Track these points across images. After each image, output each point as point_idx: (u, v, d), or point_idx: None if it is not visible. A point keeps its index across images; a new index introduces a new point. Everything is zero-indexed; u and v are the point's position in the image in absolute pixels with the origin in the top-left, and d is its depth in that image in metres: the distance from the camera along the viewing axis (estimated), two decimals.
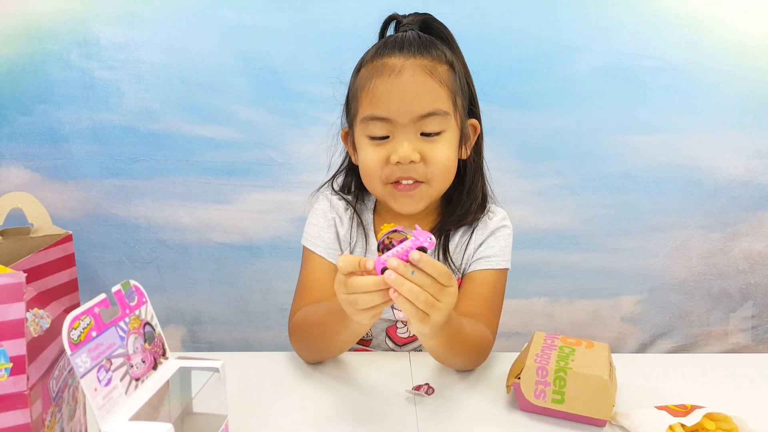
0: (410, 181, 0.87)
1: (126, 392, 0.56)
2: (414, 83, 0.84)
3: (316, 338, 0.84)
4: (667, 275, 1.58)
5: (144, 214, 1.49)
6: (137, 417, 0.54)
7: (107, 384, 0.54)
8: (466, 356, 0.83)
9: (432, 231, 0.94)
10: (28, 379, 0.51)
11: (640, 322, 1.60)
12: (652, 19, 1.42)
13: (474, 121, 0.94)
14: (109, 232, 1.50)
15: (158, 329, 0.63)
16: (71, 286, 0.64)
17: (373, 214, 0.98)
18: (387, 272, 0.61)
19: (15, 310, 0.50)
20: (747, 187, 1.51)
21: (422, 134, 0.85)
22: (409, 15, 0.93)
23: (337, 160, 1.06)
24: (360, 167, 0.92)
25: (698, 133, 1.48)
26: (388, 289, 0.62)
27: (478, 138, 0.95)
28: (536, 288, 1.57)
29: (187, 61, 1.40)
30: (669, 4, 1.42)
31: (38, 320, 0.54)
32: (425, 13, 0.93)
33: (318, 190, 1.04)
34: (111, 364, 0.54)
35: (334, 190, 1.02)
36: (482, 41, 1.40)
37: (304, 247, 0.97)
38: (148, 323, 0.61)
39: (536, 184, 1.52)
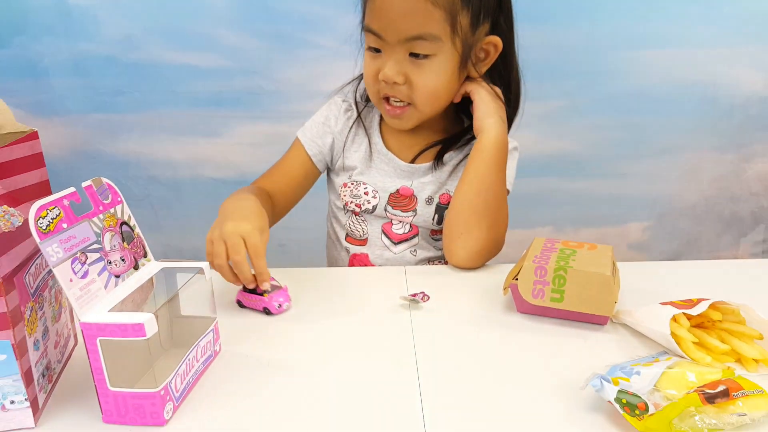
0: (397, 101, 0.86)
1: (105, 287, 0.52)
2: (404, 3, 0.79)
3: None
4: (677, 200, 1.52)
5: (133, 150, 1.45)
6: (118, 310, 0.51)
7: (83, 276, 0.50)
8: (493, 214, 0.85)
9: (428, 147, 0.94)
10: (1, 268, 0.47)
11: (647, 249, 1.55)
12: None
13: (494, 38, 0.86)
14: (99, 170, 1.43)
15: (137, 230, 0.59)
16: (43, 188, 0.60)
17: (381, 119, 0.97)
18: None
19: None
20: (765, 104, 1.44)
21: (411, 54, 0.82)
22: None
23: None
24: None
25: (715, 47, 1.40)
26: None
27: (506, 56, 0.89)
28: (540, 217, 1.52)
29: None
30: None
31: (9, 217, 0.50)
32: None
33: (340, 88, 1.01)
34: (86, 257, 0.51)
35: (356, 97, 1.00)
36: None
37: (297, 137, 0.99)
38: (125, 223, 0.57)
39: (541, 107, 1.45)
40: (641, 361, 0.55)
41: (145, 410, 0.51)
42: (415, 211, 0.93)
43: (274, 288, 0.72)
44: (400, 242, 0.95)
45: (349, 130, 0.96)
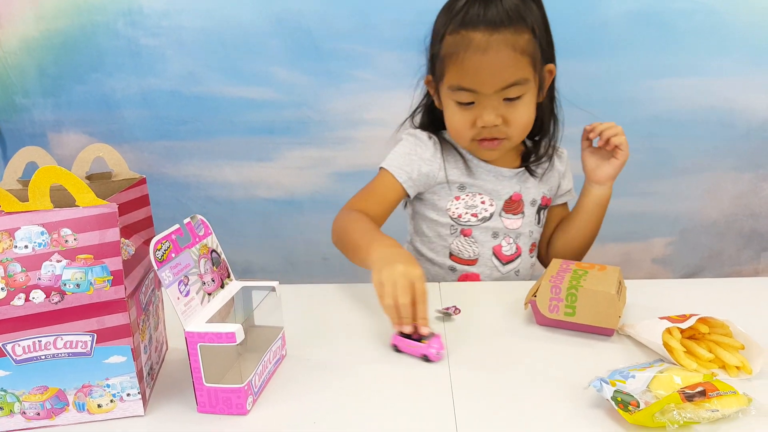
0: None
1: (201, 303, 0.66)
2: (498, 59, 0.91)
3: (343, 245, 0.99)
4: (699, 217, 1.60)
5: (193, 173, 1.59)
6: (211, 321, 0.64)
7: (186, 295, 0.64)
8: (588, 247, 1.10)
9: (520, 157, 1.10)
10: (125, 289, 0.61)
11: (671, 263, 1.63)
12: None
13: (550, 66, 1.00)
14: (161, 191, 1.61)
15: (223, 256, 0.72)
16: (148, 222, 0.74)
17: None
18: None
19: (112, 234, 0.60)
20: None
21: (505, 99, 0.94)
22: None
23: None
24: (448, 127, 1.02)
25: (731, 75, 1.48)
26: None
27: (554, 80, 1.03)
28: None
29: (225, 26, 1.47)
30: None
31: (126, 247, 0.64)
32: None
33: (400, 126, 1.14)
34: (188, 280, 0.65)
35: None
36: None
37: (382, 168, 1.06)
38: (214, 250, 0.71)
39: (568, 131, 1.53)
40: (638, 367, 0.65)
41: (231, 402, 0.64)
42: (522, 213, 1.07)
43: (430, 335, 0.74)
44: (507, 263, 1.08)
45: (440, 152, 1.05)
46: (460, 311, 0.83)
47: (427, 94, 1.08)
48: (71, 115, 1.55)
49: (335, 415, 0.64)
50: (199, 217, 0.70)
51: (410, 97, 1.38)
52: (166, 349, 0.79)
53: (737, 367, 0.66)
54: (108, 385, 0.63)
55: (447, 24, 0.94)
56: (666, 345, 0.68)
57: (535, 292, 0.77)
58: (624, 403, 0.58)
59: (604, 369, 0.65)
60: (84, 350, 0.61)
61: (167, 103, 1.53)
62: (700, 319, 0.69)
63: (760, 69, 1.47)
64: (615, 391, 0.59)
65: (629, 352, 0.72)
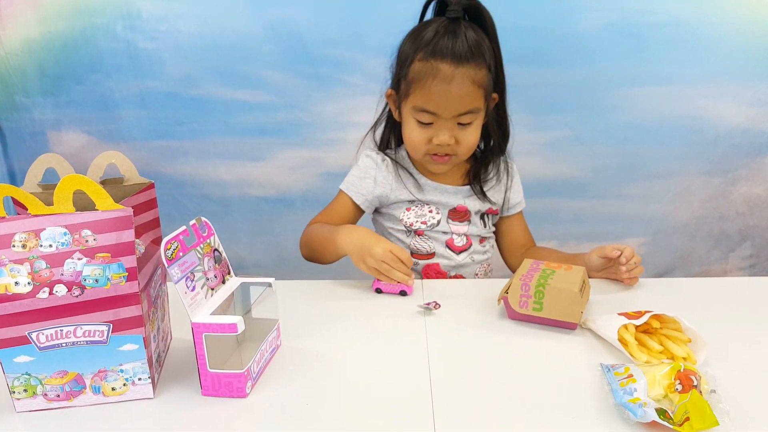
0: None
1: (205, 297, 0.73)
2: (460, 90, 1.02)
3: (313, 250, 1.14)
4: (670, 219, 1.69)
5: (189, 172, 1.66)
6: (214, 314, 0.71)
7: (193, 290, 0.71)
8: None
9: (466, 176, 1.20)
10: (138, 284, 0.68)
11: (643, 262, 1.67)
12: None
13: (494, 94, 1.11)
14: (158, 189, 1.64)
15: (224, 254, 0.79)
16: (155, 223, 0.81)
17: (410, 159, 1.20)
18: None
19: (127, 235, 0.67)
20: (747, 134, 1.60)
21: (459, 123, 1.06)
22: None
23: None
24: (405, 139, 1.14)
25: (700, 84, 1.56)
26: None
27: (499, 102, 1.13)
28: (546, 233, 1.68)
29: (220, 31, 1.53)
30: None
31: (137, 246, 0.71)
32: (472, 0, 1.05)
33: (362, 141, 1.24)
34: (194, 276, 0.71)
35: (377, 147, 1.22)
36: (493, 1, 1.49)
37: (340, 190, 1.19)
38: (216, 249, 0.78)
39: (546, 137, 1.63)
40: (619, 378, 0.67)
41: (233, 386, 0.71)
42: (469, 221, 1.17)
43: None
44: (460, 252, 1.18)
45: (392, 175, 1.17)
46: (440, 306, 0.91)
47: (387, 106, 1.19)
48: (70, 114, 1.60)
49: (325, 398, 0.71)
50: (204, 219, 0.77)
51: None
52: (171, 339, 0.86)
53: (684, 358, 0.74)
54: (122, 370, 0.70)
55: (416, 50, 1.04)
56: (621, 339, 0.76)
57: (507, 289, 0.85)
58: (664, 417, 0.59)
59: (571, 360, 0.73)
60: (101, 339, 0.68)
61: (164, 105, 1.59)
62: (653, 315, 0.77)
63: (726, 78, 1.55)
64: (656, 410, 0.60)
65: (590, 345, 0.81)
